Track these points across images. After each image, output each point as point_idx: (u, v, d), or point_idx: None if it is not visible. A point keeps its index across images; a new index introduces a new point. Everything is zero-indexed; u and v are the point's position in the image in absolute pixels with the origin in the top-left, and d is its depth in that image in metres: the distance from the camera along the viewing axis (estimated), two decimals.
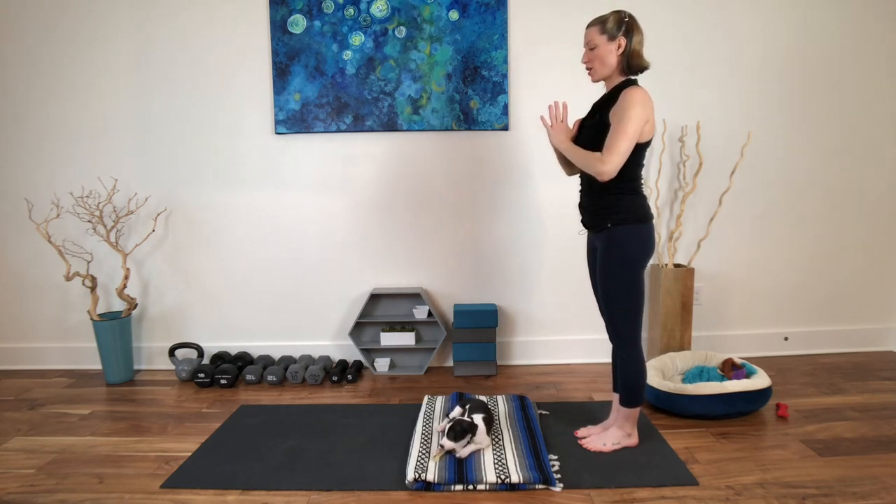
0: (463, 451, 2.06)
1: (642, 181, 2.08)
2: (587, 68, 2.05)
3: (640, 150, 1.99)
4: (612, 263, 2.04)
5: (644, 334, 3.24)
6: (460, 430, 2.06)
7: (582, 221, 2.19)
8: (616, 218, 2.01)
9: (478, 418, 2.13)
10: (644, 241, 2.02)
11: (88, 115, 3.11)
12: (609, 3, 3.00)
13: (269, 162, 3.12)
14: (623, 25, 1.97)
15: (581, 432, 2.28)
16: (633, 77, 2.04)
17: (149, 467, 2.12)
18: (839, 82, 3.11)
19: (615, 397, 2.24)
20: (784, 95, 3.10)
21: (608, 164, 1.91)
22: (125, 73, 3.07)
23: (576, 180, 3.08)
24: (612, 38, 1.97)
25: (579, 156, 2.00)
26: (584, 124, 2.13)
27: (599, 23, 1.98)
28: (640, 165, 2.04)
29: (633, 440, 2.19)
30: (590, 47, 2.01)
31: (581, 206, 2.18)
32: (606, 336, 3.15)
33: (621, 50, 1.98)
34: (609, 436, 2.18)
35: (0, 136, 3.14)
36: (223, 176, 3.14)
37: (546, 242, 3.16)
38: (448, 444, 2.04)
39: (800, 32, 3.06)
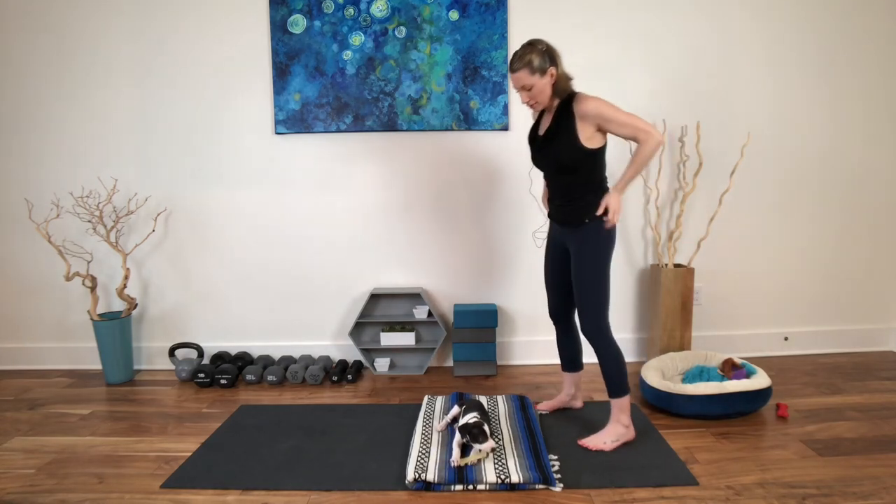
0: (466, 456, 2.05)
1: (608, 182, 2.20)
2: (529, 105, 2.12)
3: (600, 155, 2.10)
4: (590, 256, 2.13)
5: (644, 334, 3.24)
6: (485, 429, 2.04)
7: (554, 219, 2.28)
8: (592, 215, 2.11)
9: (470, 417, 2.12)
10: (614, 235, 2.17)
11: (88, 115, 3.11)
12: (609, 4, 3.00)
13: (269, 162, 3.12)
14: (547, 57, 2.04)
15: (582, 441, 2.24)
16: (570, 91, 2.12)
17: (149, 467, 2.12)
18: (838, 82, 3.10)
19: (567, 376, 2.50)
20: (784, 95, 3.10)
21: (652, 134, 1.97)
22: (125, 72, 3.07)
23: None
24: (543, 73, 2.04)
25: (638, 165, 2.02)
26: (543, 143, 2.17)
27: (525, 66, 2.02)
28: (605, 167, 2.15)
29: (631, 433, 2.21)
30: (526, 89, 2.06)
31: (554, 204, 2.26)
32: None
33: (554, 79, 2.06)
34: (608, 433, 2.19)
35: (0, 136, 3.14)
36: (223, 176, 3.14)
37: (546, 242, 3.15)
38: (490, 444, 2.02)
39: (799, 32, 3.06)
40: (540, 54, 2.02)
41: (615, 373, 2.17)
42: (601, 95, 2.16)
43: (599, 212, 2.06)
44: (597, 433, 2.22)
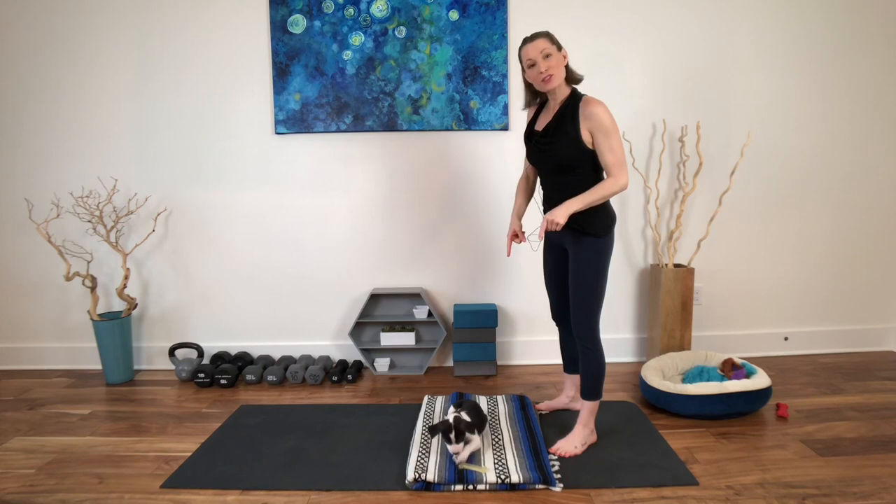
0: (464, 454, 2.05)
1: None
2: (546, 77, 2.05)
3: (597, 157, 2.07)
4: (587, 265, 2.11)
5: (644, 334, 3.24)
6: (460, 431, 2.03)
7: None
8: (591, 227, 2.09)
9: (462, 416, 2.10)
10: (612, 240, 2.15)
11: (88, 115, 3.11)
12: (610, 4, 3.00)
13: (269, 162, 3.12)
14: (559, 44, 2.09)
15: (553, 448, 2.20)
16: (576, 87, 2.16)
17: (149, 467, 2.12)
18: (838, 82, 3.11)
19: (569, 378, 2.51)
20: (784, 95, 3.10)
21: (622, 177, 2.00)
22: (125, 73, 3.07)
23: None
24: (559, 48, 2.06)
25: (597, 196, 2.01)
26: (542, 139, 2.12)
27: (545, 35, 2.05)
28: (601, 170, 2.12)
29: (595, 436, 2.22)
30: (545, 55, 2.03)
31: (550, 205, 2.22)
32: (608, 335, 3.16)
33: (566, 60, 2.09)
34: (578, 437, 2.18)
35: (0, 136, 3.14)
36: (223, 176, 3.14)
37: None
38: (454, 447, 2.01)
39: (799, 32, 3.06)
40: (554, 37, 2.08)
41: (595, 376, 2.17)
42: (602, 97, 2.17)
43: (540, 232, 2.03)
44: (565, 438, 2.19)
